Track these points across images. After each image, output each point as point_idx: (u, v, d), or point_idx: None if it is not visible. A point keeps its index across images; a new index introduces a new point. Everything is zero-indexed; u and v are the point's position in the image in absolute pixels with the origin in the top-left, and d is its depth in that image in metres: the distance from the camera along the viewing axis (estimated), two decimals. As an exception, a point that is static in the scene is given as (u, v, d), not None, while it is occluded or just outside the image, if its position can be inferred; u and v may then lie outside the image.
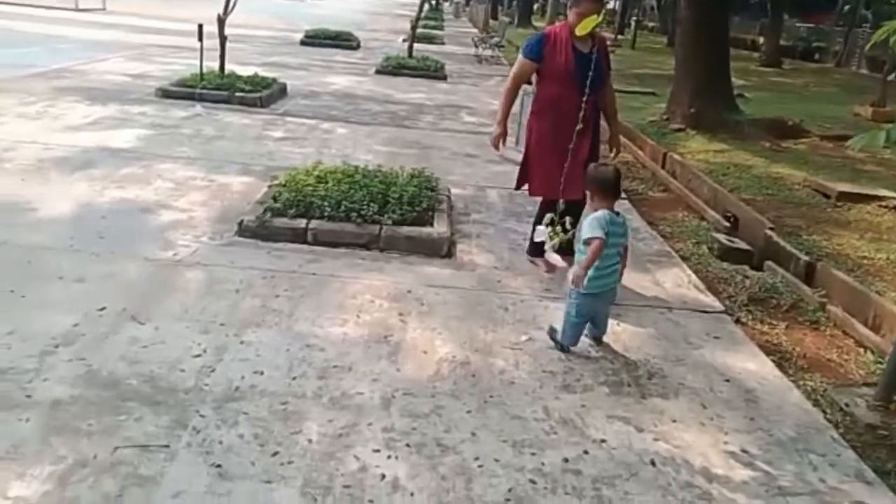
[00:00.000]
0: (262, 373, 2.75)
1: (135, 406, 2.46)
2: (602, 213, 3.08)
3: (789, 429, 2.69)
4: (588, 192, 3.25)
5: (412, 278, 3.78)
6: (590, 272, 3.03)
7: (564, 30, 3.75)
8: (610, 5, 41.51)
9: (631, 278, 3.97)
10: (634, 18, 31.03)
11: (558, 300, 3.67)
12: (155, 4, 23.84)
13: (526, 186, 4.11)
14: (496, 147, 4.02)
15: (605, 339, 3.26)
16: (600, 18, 3.14)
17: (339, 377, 2.78)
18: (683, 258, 4.60)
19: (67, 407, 2.41)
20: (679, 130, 8.66)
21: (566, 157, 3.68)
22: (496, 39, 16.85)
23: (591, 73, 3.64)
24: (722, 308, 3.79)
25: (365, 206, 4.26)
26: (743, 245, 4.89)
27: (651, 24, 34.89)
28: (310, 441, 2.37)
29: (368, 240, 4.14)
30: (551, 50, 3.76)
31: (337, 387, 2.71)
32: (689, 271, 4.28)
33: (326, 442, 2.38)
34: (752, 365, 3.18)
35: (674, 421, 2.68)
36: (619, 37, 25.03)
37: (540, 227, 3.53)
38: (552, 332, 3.22)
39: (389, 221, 4.21)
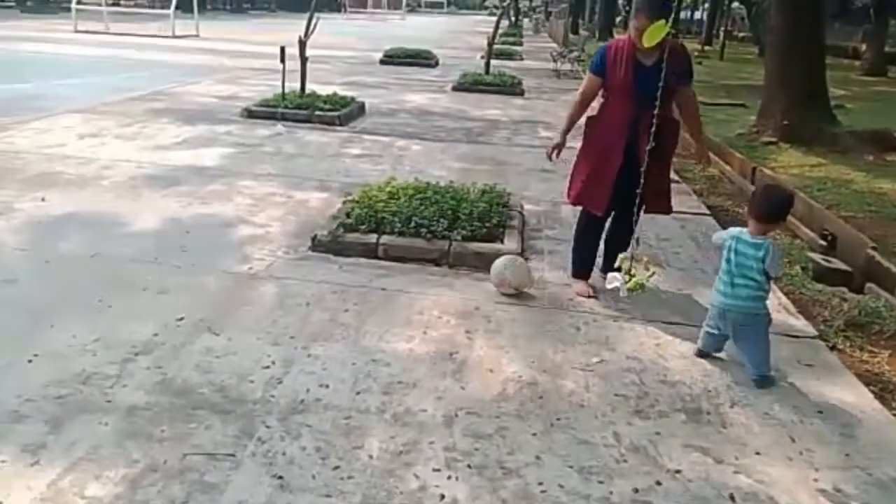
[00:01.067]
0: (327, 386, 2.76)
1: (205, 414, 2.52)
2: (777, 247, 3.04)
3: (891, 468, 2.45)
4: (760, 217, 3.03)
5: (481, 295, 3.72)
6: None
7: (627, 42, 3.63)
8: (696, 15, 40.42)
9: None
10: (723, 28, 30.05)
11: (633, 320, 3.54)
12: (244, 30, 25.13)
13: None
14: (550, 157, 3.92)
15: (685, 366, 3.09)
16: (668, 27, 2.92)
17: (404, 393, 2.75)
18: (774, 279, 4.33)
19: (143, 413, 2.50)
20: (770, 144, 8.25)
21: (613, 169, 3.59)
22: (576, 54, 16.64)
23: (657, 86, 3.53)
24: (815, 333, 3.53)
25: (435, 222, 4.26)
26: (841, 266, 4.56)
27: (741, 34, 33.67)
28: (371, 457, 2.35)
29: (438, 255, 4.13)
30: (612, 63, 3.65)
31: (400, 403, 2.68)
32: (780, 293, 4.02)
33: (387, 458, 2.35)
34: (850, 396, 2.93)
35: (757, 454, 2.49)
36: (707, 48, 24.24)
37: (613, 274, 3.36)
38: (763, 381, 2.97)
39: (459, 237, 4.19)
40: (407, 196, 4.62)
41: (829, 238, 5.06)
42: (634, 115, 3.55)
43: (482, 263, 4.06)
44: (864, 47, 21.36)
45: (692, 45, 21.57)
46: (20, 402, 2.49)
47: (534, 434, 2.54)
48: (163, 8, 20.97)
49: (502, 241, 4.26)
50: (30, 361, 2.77)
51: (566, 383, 2.90)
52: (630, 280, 3.19)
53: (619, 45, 3.65)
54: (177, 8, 20.39)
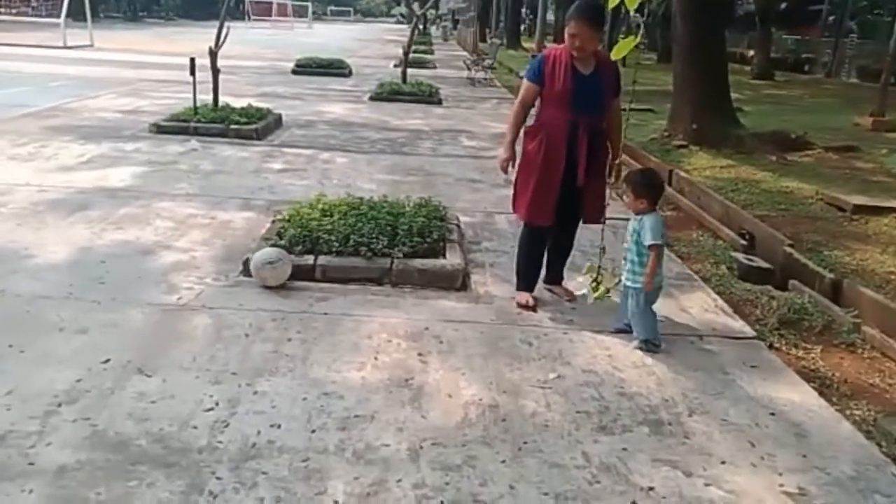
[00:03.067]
0: (279, 426, 2.57)
1: (146, 470, 2.27)
2: (658, 216, 3.31)
3: (847, 466, 2.53)
4: (636, 196, 3.37)
5: (428, 314, 3.61)
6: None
7: (564, 51, 3.65)
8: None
9: (656, 304, 3.83)
10: (622, 36, 31.33)
11: (582, 331, 3.53)
12: (142, 39, 23.92)
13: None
14: (504, 171, 3.89)
15: (639, 376, 3.11)
16: (637, 39, 2.91)
17: (362, 427, 2.60)
18: (704, 279, 4.46)
19: (73, 474, 2.23)
20: (682, 147, 8.59)
21: (558, 180, 3.60)
22: (489, 62, 16.84)
23: (595, 94, 3.58)
24: (753, 333, 3.64)
25: (374, 240, 4.11)
26: (763, 264, 4.75)
27: (639, 42, 35.24)
28: (336, 503, 2.19)
29: (380, 274, 3.98)
30: (550, 72, 3.66)
31: (360, 438, 2.53)
32: (714, 294, 4.14)
33: (354, 503, 2.20)
34: (795, 395, 3.02)
35: (723, 462, 2.51)
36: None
37: (580, 279, 3.37)
38: (644, 346, 3.33)
39: (400, 254, 4.06)
40: (341, 213, 4.44)
41: (748, 237, 5.28)
42: (574, 123, 3.57)
43: (426, 280, 3.96)
44: (751, 53, 22.79)
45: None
46: (-77, 475, 2.17)
47: (503, 461, 2.46)
48: (50, 16, 19.53)
49: (444, 256, 4.16)
50: (-69, 424, 2.43)
51: (527, 403, 2.84)
52: (598, 288, 3.19)
53: (557, 54, 3.65)
54: (67, 16, 19.12)
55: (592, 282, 3.23)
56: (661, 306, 3.82)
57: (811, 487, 2.40)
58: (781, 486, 2.40)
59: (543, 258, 3.92)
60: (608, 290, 3.23)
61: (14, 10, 23.92)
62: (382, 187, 5.97)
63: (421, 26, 36.93)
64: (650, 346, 3.34)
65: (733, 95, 9.71)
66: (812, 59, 23.85)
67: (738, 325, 3.74)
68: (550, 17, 34.54)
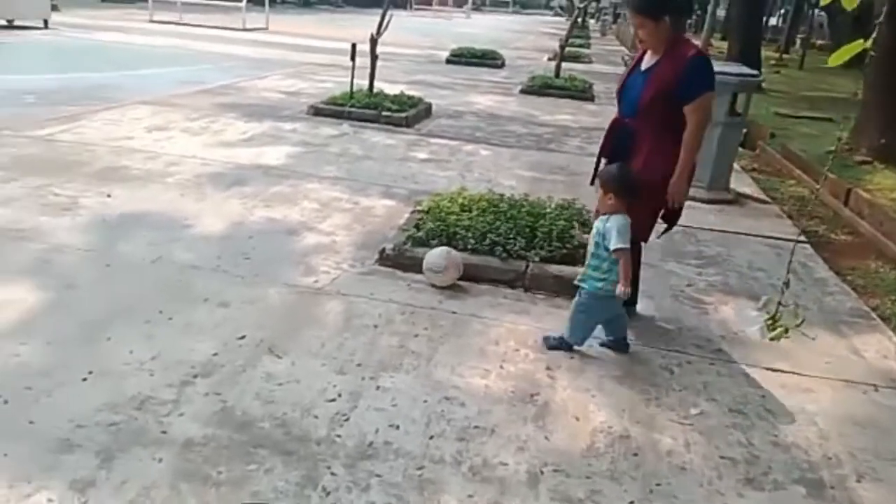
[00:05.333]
0: (397, 427, 2.50)
1: (266, 455, 2.29)
2: (624, 218, 2.98)
3: None
4: (605, 192, 3.04)
5: (560, 325, 3.40)
6: (609, 278, 3.00)
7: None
8: (772, 21, 38.77)
9: (822, 343, 3.37)
10: (801, 36, 28.68)
11: (731, 364, 3.17)
12: (312, 24, 25.31)
13: None
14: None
15: (797, 425, 2.72)
16: (867, 43, 2.18)
17: (481, 440, 2.47)
18: (883, 319, 3.88)
19: (200, 449, 2.29)
20: (865, 163, 7.64)
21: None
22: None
23: (630, 94, 3.21)
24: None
25: (511, 240, 3.96)
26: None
27: (819, 42, 32.04)
28: (447, 520, 2.09)
29: (513, 277, 3.83)
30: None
31: (478, 452, 2.40)
32: (896, 337, 3.58)
33: (466, 524, 2.08)
34: None
35: (899, 548, 2.12)
36: (785, 56, 23.12)
37: (753, 313, 2.92)
38: (556, 342, 3.14)
39: (536, 258, 3.88)
40: (480, 209, 4.34)
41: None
42: (618, 125, 3.30)
43: (561, 288, 3.74)
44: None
45: (767, 53, 20.59)
46: (72, 429, 2.32)
47: (631, 502, 2.22)
48: (235, 0, 21.23)
49: (584, 264, 3.92)
50: (84, 380, 2.61)
51: (663, 439, 2.57)
52: (775, 327, 2.73)
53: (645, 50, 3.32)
54: (248, 0, 20.65)
55: (769, 318, 2.80)
56: (829, 346, 3.37)
57: None
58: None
59: None
60: (787, 331, 2.77)
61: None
62: (524, 184, 5.80)
63: (579, 20, 36.03)
64: (563, 344, 3.12)
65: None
66: None
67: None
68: (722, 12, 32.42)
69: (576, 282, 3.18)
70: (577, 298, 3.15)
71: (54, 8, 17.27)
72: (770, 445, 2.59)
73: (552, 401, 2.76)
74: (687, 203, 5.45)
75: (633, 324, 3.48)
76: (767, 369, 3.14)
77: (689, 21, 38.18)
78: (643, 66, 3.23)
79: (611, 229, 2.97)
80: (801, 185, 7.08)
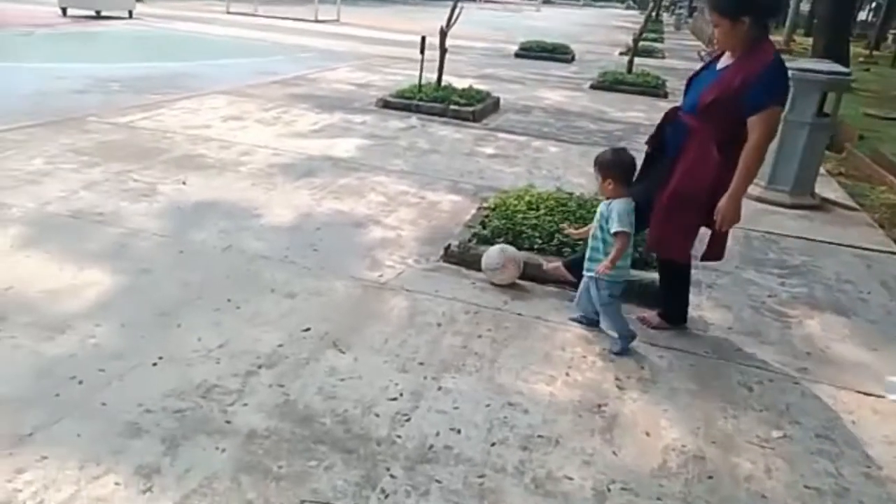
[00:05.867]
0: (458, 431, 2.44)
1: (326, 451, 2.27)
2: (627, 202, 2.99)
3: None
4: (604, 177, 3.05)
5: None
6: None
7: None
8: (861, 16, 36.62)
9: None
10: (894, 32, 27.03)
11: (818, 384, 2.97)
12: (383, 16, 25.51)
13: None
14: None
15: (893, 456, 2.51)
16: None
17: (545, 451, 2.38)
18: None
19: (262, 441, 2.29)
20: (966, 170, 7.07)
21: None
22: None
23: (696, 87, 3.00)
24: None
25: (579, 241, 3.82)
26: None
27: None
28: (508, 533, 2.01)
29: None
30: None
31: (541, 464, 2.31)
32: None
33: (528, 539, 2.00)
34: None
35: None
36: (876, 52, 21.82)
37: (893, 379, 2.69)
38: (618, 350, 3.05)
39: (607, 261, 3.74)
40: (548, 208, 4.22)
41: None
42: (673, 116, 3.13)
43: (631, 294, 3.59)
44: None
45: (856, 49, 19.46)
46: (140, 413, 2.36)
47: (704, 529, 2.10)
48: (307, -8, 21.69)
49: (655, 270, 3.76)
50: (154, 365, 2.66)
51: (741, 462, 2.41)
52: None
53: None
54: (321, -7, 20.98)
55: None
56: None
57: None
58: None
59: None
60: None
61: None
62: (593, 183, 5.56)
63: (653, 14, 35.02)
64: (624, 340, 3.07)
65: None
66: None
67: None
68: (806, 6, 30.92)
69: (585, 273, 3.17)
70: (594, 291, 3.10)
71: (139, -1, 18.00)
72: (861, 477, 2.40)
73: (621, 413, 2.64)
74: (769, 208, 5.21)
75: (711, 333, 3.31)
76: (859, 392, 2.92)
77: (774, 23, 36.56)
78: (719, 65, 3.04)
79: (612, 211, 3.00)
80: (894, 191, 6.63)
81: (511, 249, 3.70)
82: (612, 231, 2.97)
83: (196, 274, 3.47)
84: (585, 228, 3.34)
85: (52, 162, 5.03)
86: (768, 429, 2.61)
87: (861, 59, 19.44)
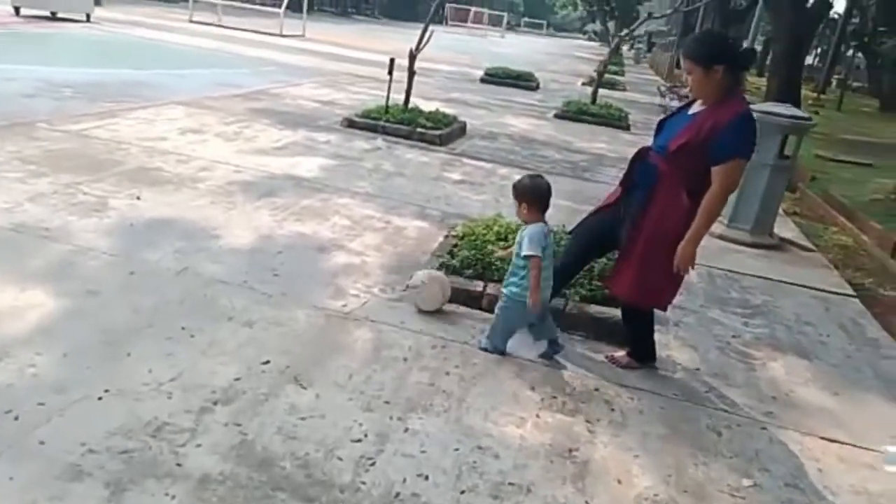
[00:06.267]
0: (426, 477, 2.33)
1: (286, 499, 2.13)
2: (539, 227, 3.11)
3: None
4: (519, 202, 3.16)
5: (599, 372, 3.22)
6: (525, 284, 3.08)
7: None
8: (808, 60, 38.31)
9: (881, 412, 3.16)
10: (838, 76, 28.33)
11: (784, 430, 2.96)
12: (350, 35, 25.47)
13: None
14: None
15: (858, 501, 2.50)
16: None
17: (516, 500, 2.29)
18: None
19: (215, 487, 2.13)
20: (912, 215, 7.34)
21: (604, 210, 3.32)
22: (686, 91, 15.82)
23: (674, 134, 2.97)
24: None
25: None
26: None
27: (855, 84, 31.58)
28: (479, 592, 1.90)
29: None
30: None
31: (513, 514, 2.22)
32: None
33: None
34: None
35: None
36: (822, 96, 22.80)
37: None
38: (483, 347, 3.23)
39: (577, 297, 3.69)
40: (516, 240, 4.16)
41: None
42: (644, 155, 3.12)
43: (601, 331, 3.56)
44: None
45: (805, 92, 20.28)
46: (83, 454, 2.17)
47: (680, 587, 2.02)
48: (274, 6, 21.45)
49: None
50: (99, 399, 2.46)
51: (713, 513, 2.36)
52: None
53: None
54: (286, 7, 20.79)
55: None
56: (889, 415, 3.14)
57: None
58: None
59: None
60: None
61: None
62: (560, 214, 5.57)
63: (614, 47, 35.94)
64: (491, 347, 3.22)
65: None
66: None
67: None
68: (758, 46, 32.12)
69: (501, 289, 3.26)
70: (499, 303, 3.23)
71: (97, 2, 17.50)
72: (831, 529, 2.38)
73: (592, 459, 2.57)
74: (731, 246, 5.27)
75: (679, 375, 3.29)
76: (824, 439, 2.92)
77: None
78: (691, 110, 3.06)
79: (524, 236, 3.09)
80: (845, 233, 6.83)
81: (438, 273, 3.65)
82: (522, 255, 3.07)
83: (148, 298, 3.27)
84: (509, 250, 3.36)
85: (-4, 170, 4.75)
86: (738, 477, 2.58)
87: (810, 101, 20.27)
